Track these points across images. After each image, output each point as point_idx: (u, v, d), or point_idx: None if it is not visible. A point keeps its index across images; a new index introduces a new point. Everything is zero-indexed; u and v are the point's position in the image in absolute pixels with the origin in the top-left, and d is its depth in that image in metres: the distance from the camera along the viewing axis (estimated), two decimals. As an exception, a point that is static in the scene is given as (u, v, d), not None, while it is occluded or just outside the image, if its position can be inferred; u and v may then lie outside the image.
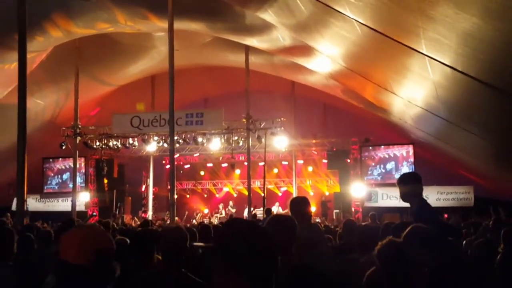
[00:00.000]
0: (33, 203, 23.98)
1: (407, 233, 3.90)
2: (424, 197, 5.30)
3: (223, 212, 26.89)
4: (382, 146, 24.27)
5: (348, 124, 25.02)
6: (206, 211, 28.58)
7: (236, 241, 2.06)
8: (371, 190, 23.78)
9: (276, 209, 24.11)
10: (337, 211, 23.94)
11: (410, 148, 23.20)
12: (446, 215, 18.53)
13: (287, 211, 13.84)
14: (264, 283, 2.05)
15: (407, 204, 5.38)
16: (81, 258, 2.78)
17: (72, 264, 2.78)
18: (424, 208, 5.24)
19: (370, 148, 24.43)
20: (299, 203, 5.43)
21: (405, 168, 23.23)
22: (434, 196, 22.17)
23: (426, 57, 8.35)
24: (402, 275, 3.44)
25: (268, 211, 16.94)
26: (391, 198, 23.05)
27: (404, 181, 5.39)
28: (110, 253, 2.98)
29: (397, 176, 23.32)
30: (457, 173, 21.91)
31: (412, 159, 23.11)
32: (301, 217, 4.81)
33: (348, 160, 24.62)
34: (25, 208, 12.17)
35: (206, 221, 24.04)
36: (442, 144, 17.28)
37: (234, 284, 2.02)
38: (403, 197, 5.35)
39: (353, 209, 23.68)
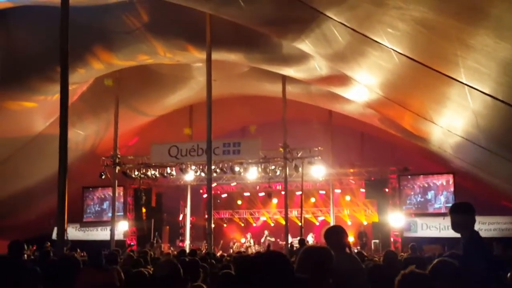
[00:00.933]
0: (73, 232, 24.29)
1: (434, 266, 3.84)
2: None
3: (252, 241, 26.89)
4: (421, 176, 23.94)
5: (386, 153, 24.79)
6: (243, 240, 28.42)
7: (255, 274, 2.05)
8: (410, 220, 23.43)
9: (310, 239, 23.90)
10: (376, 241, 23.61)
11: (450, 178, 22.84)
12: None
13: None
14: None
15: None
16: None
17: None
18: (474, 240, 5.06)
19: (409, 177, 24.12)
20: (335, 233, 5.23)
21: (444, 198, 22.87)
22: (476, 226, 21.66)
23: (465, 86, 8.26)
24: None
25: (302, 241, 16.78)
26: (431, 228, 22.67)
27: (456, 210, 5.24)
28: None
29: (436, 206, 23.14)
30: (499, 203, 21.43)
31: (452, 189, 22.73)
32: (337, 247, 4.66)
33: (387, 190, 24.31)
34: (66, 237, 12.32)
35: (243, 250, 24.00)
36: (483, 173, 16.96)
37: None
38: (454, 227, 5.18)
39: (392, 239, 23.31)
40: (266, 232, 27.45)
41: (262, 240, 26.92)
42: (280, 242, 25.61)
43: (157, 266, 4.93)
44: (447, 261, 3.98)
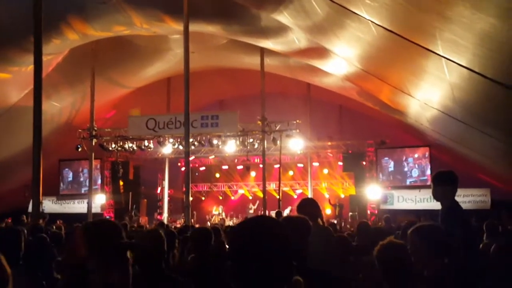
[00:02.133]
0: (50, 205, 24.14)
1: (412, 231, 3.86)
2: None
3: (223, 214, 26.97)
4: (398, 149, 24.14)
5: (363, 126, 24.88)
6: (215, 212, 28.28)
7: (256, 241, 1.99)
8: (386, 193, 23.66)
9: (288, 213, 23.98)
10: (352, 213, 23.83)
11: (426, 151, 23.06)
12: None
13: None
14: (282, 285, 1.99)
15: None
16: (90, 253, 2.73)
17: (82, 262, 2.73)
18: (453, 210, 5.10)
19: (386, 150, 24.29)
20: (308, 205, 5.22)
21: (420, 171, 23.12)
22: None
23: (442, 58, 8.26)
24: (402, 278, 3.40)
25: (278, 214, 16.82)
26: (407, 201, 22.93)
27: (438, 179, 5.25)
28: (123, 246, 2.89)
29: (412, 179, 23.37)
30: (475, 176, 21.68)
31: (428, 162, 22.96)
32: (310, 219, 4.66)
33: (364, 163, 24.48)
34: (41, 210, 12.24)
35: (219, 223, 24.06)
36: (459, 146, 17.12)
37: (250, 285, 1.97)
38: (435, 196, 5.23)
39: (368, 212, 23.54)
40: (249, 205, 27.46)
41: (251, 211, 26.79)
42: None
43: (141, 236, 4.87)
44: (425, 226, 4.03)
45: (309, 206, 5.17)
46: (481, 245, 6.10)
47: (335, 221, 20.80)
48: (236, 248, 2.04)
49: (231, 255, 2.04)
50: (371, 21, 9.08)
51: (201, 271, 5.04)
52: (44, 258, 6.28)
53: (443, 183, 5.20)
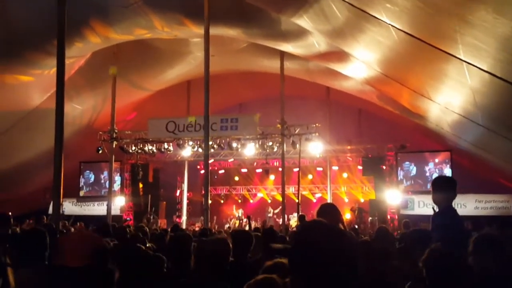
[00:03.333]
0: (70, 207, 24.36)
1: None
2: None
3: (243, 218, 26.88)
4: (418, 153, 23.96)
5: (383, 130, 24.75)
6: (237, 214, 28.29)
7: (315, 247, 1.93)
8: (407, 198, 23.49)
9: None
10: (372, 218, 23.69)
11: (447, 155, 22.85)
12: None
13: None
14: None
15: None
16: (77, 260, 2.80)
17: (68, 267, 2.79)
18: (448, 215, 5.13)
19: (406, 154, 24.12)
20: (328, 210, 5.11)
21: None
22: (472, 204, 21.80)
23: (463, 62, 8.22)
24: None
25: (301, 218, 16.78)
26: (428, 206, 22.57)
27: (438, 184, 5.27)
28: (104, 255, 2.99)
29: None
30: (497, 182, 21.47)
31: (449, 166, 22.75)
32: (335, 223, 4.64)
33: (384, 167, 24.32)
34: (61, 212, 12.34)
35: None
36: (480, 151, 16.97)
37: None
38: (434, 201, 5.25)
39: (388, 217, 23.36)
40: (269, 209, 27.39)
41: (269, 215, 26.75)
42: (277, 219, 25.65)
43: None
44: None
45: (329, 211, 5.12)
46: None
47: (356, 226, 20.71)
48: (301, 250, 1.98)
49: (294, 255, 2.00)
50: (392, 25, 9.05)
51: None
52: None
53: (444, 188, 5.20)
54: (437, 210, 5.27)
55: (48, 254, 4.94)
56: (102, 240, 3.08)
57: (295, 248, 2.02)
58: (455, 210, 5.31)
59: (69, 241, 2.96)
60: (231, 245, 4.30)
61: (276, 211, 26.83)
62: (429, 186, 23.02)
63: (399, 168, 24.06)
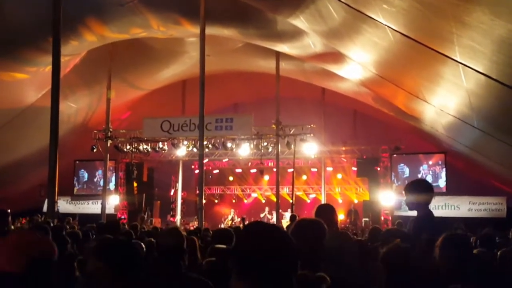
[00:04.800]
0: (64, 205, 24.24)
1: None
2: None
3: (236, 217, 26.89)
4: (413, 155, 24.00)
5: (378, 131, 24.80)
6: (229, 217, 28.29)
7: (251, 244, 2.01)
8: (400, 199, 23.49)
9: (288, 215, 23.58)
10: (366, 219, 23.72)
11: (442, 157, 22.89)
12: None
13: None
14: None
15: (437, 214, 5.30)
16: (12, 265, 2.46)
17: (2, 271, 2.44)
18: (428, 218, 5.11)
19: (401, 156, 24.16)
20: (327, 211, 5.19)
21: (436, 178, 22.96)
22: (465, 206, 21.87)
23: (459, 64, 8.23)
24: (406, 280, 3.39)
25: (293, 218, 16.77)
26: (421, 208, 22.73)
27: (411, 189, 5.24)
28: (46, 262, 2.59)
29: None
30: (490, 184, 21.54)
31: (443, 168, 22.80)
32: (328, 225, 4.65)
33: (378, 168, 24.36)
34: (56, 210, 12.32)
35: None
36: (475, 154, 17.01)
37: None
38: (409, 206, 5.24)
39: (382, 218, 23.40)
40: (266, 209, 27.41)
41: (262, 215, 26.83)
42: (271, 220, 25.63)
43: (162, 234, 4.85)
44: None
45: (326, 211, 5.18)
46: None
47: (348, 227, 20.76)
48: (238, 248, 2.05)
49: (233, 253, 2.05)
50: (388, 26, 9.07)
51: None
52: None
53: (417, 191, 5.18)
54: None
55: None
56: (49, 244, 2.69)
57: (233, 247, 2.10)
58: (431, 213, 5.26)
59: (7, 244, 2.56)
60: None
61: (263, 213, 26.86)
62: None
63: (393, 170, 24.09)
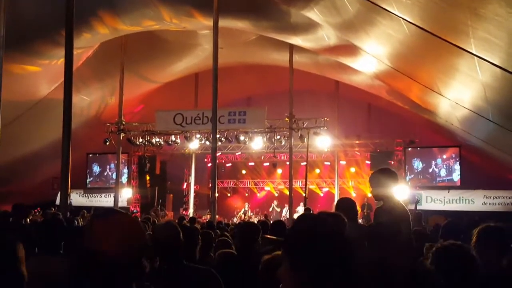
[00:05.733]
0: (77, 198, 24.35)
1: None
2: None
3: (249, 211, 26.96)
4: (427, 148, 23.82)
5: (392, 125, 24.63)
6: (243, 210, 28.29)
7: (304, 239, 2.00)
8: (415, 193, 23.36)
9: (301, 209, 23.59)
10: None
11: (456, 151, 22.70)
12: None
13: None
14: (331, 284, 1.96)
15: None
16: (119, 253, 2.24)
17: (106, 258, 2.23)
18: (395, 209, 5.03)
19: (415, 149, 23.99)
20: (346, 205, 5.22)
21: (450, 172, 22.79)
22: (480, 200, 21.67)
23: (475, 57, 8.11)
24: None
25: (307, 211, 16.71)
26: (435, 201, 22.61)
27: (375, 179, 5.14)
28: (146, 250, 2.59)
29: (441, 179, 23.05)
30: (505, 178, 21.34)
31: (458, 162, 22.61)
32: (351, 217, 4.62)
33: (392, 162, 24.18)
34: (69, 203, 12.32)
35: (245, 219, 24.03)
36: (490, 147, 16.84)
37: (298, 282, 1.96)
38: (375, 197, 5.14)
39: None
40: (275, 202, 27.45)
41: (270, 209, 26.89)
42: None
43: (156, 228, 4.87)
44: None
45: (347, 205, 5.17)
46: None
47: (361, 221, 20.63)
48: (291, 242, 2.06)
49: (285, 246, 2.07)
50: (403, 19, 8.95)
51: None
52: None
53: (382, 182, 5.07)
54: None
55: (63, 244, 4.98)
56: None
57: (286, 237, 2.12)
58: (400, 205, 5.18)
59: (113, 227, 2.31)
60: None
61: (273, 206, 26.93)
62: (436, 181, 22.93)
63: (407, 164, 23.93)
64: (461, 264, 3.39)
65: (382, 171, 5.23)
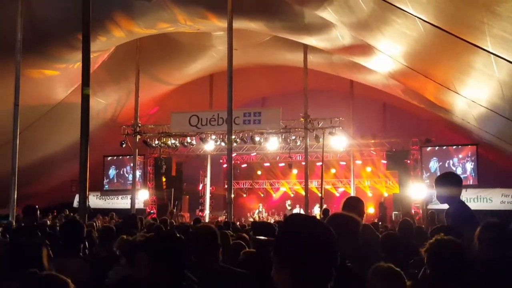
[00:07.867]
0: (94, 200, 24.52)
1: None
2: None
3: (264, 212, 26.99)
4: (444, 147, 23.69)
5: (408, 124, 24.54)
6: (257, 211, 28.26)
7: (293, 238, 2.01)
8: (431, 192, 23.21)
9: (317, 210, 23.54)
10: (396, 212, 23.46)
11: (473, 149, 22.55)
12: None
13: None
14: (320, 283, 1.98)
15: (470, 207, 5.24)
16: None
17: None
18: (462, 211, 5.13)
19: (431, 148, 23.86)
20: (354, 203, 5.22)
21: (467, 170, 22.64)
22: (498, 199, 21.51)
23: (491, 54, 8.06)
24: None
25: (326, 212, 16.66)
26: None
27: (441, 182, 5.23)
28: None
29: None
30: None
31: (475, 161, 22.46)
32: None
33: (408, 161, 24.07)
34: (87, 205, 12.41)
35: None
36: (507, 145, 16.72)
37: (287, 281, 1.97)
38: (439, 199, 5.21)
39: (412, 211, 23.11)
40: (288, 202, 27.48)
41: (287, 212, 26.89)
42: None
43: (196, 230, 4.91)
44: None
45: (349, 204, 5.17)
46: None
47: (376, 220, 20.55)
48: (280, 242, 2.07)
49: (275, 246, 2.07)
50: (418, 17, 8.92)
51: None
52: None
53: (447, 184, 5.19)
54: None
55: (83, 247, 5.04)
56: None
57: (276, 238, 2.12)
58: (464, 203, 5.32)
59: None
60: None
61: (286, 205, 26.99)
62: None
63: (424, 162, 23.80)
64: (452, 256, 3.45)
65: (446, 176, 5.45)
